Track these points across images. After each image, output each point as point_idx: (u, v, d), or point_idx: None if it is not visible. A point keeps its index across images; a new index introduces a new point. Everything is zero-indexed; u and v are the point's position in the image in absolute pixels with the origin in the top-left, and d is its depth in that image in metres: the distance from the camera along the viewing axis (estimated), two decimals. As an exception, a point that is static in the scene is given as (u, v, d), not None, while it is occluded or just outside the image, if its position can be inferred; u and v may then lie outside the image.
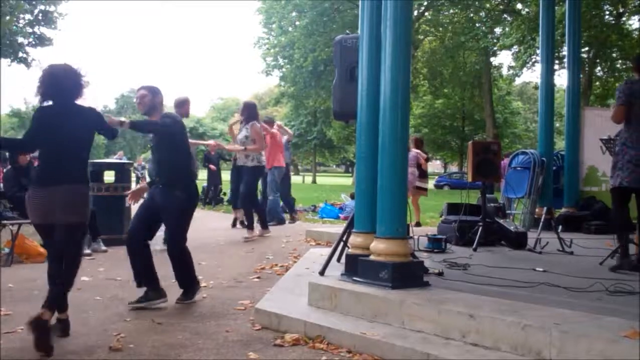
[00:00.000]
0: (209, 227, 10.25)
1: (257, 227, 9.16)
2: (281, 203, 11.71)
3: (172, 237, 5.12)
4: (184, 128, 5.10)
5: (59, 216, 3.88)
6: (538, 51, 12.88)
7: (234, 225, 10.49)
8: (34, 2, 24.60)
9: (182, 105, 7.81)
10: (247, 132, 8.80)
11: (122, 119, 4.57)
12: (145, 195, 5.09)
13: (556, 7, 10.97)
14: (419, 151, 10.99)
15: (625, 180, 5.04)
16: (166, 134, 4.85)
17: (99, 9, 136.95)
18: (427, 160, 11.43)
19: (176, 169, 4.91)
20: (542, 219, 7.10)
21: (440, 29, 33.26)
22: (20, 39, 24.95)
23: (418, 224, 10.14)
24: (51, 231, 3.97)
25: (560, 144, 14.98)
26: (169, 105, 7.63)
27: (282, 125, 11.64)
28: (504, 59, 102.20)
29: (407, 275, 4.20)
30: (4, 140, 4.70)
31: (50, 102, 4.02)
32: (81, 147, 4.05)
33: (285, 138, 11.45)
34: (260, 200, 10.20)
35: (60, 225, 3.89)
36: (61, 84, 3.97)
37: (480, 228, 6.46)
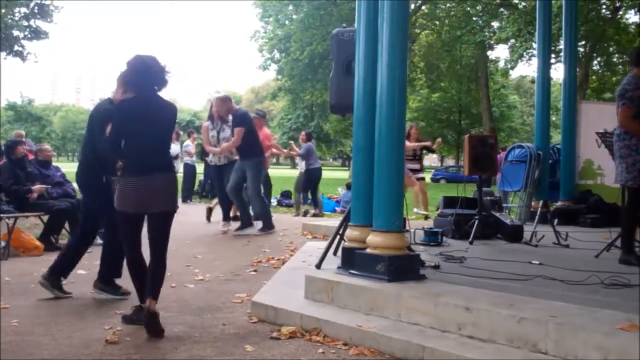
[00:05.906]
0: (205, 220, 10.21)
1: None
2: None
3: None
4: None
5: (158, 204, 3.96)
6: (535, 45, 12.88)
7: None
8: (29, -5, 24.44)
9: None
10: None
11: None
12: None
13: (553, 1, 10.96)
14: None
15: None
16: None
17: (95, 2, 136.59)
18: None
19: None
20: (538, 212, 7.11)
21: (437, 22, 33.20)
22: (15, 32, 24.75)
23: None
24: (140, 220, 4.04)
25: (556, 137, 15.00)
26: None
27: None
28: (500, 52, 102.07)
29: (403, 268, 4.21)
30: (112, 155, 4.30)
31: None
32: (166, 138, 4.15)
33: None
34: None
35: (157, 214, 3.98)
36: (147, 76, 4.01)
37: (477, 221, 6.47)
